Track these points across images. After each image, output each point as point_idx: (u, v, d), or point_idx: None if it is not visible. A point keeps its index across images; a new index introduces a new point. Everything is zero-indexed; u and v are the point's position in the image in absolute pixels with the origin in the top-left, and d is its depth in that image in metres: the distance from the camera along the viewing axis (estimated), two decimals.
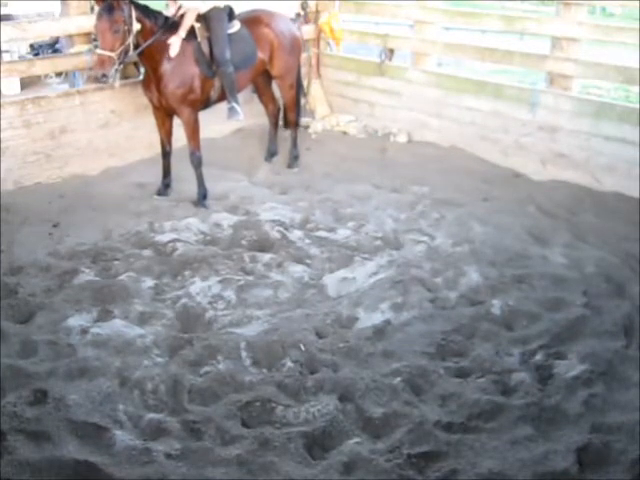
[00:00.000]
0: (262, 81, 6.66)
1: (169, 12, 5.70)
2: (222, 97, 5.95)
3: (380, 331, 4.06)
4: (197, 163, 5.86)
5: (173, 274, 4.68)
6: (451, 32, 8.72)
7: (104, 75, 5.21)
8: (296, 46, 6.55)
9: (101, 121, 6.48)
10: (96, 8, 5.34)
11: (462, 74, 7.83)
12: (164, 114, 5.85)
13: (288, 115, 6.83)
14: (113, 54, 5.17)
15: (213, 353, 3.78)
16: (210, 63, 5.74)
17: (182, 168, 6.05)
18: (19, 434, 3.13)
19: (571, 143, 6.33)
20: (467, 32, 9.66)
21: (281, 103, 6.86)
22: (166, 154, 6.02)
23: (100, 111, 6.46)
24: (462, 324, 4.12)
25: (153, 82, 5.64)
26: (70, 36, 6.65)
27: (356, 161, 6.88)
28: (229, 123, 6.46)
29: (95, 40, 6.74)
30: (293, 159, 6.80)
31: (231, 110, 5.92)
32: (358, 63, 7.97)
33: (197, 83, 5.71)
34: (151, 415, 3.35)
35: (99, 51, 5.21)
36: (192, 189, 5.91)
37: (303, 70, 7.65)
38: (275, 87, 6.77)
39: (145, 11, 5.42)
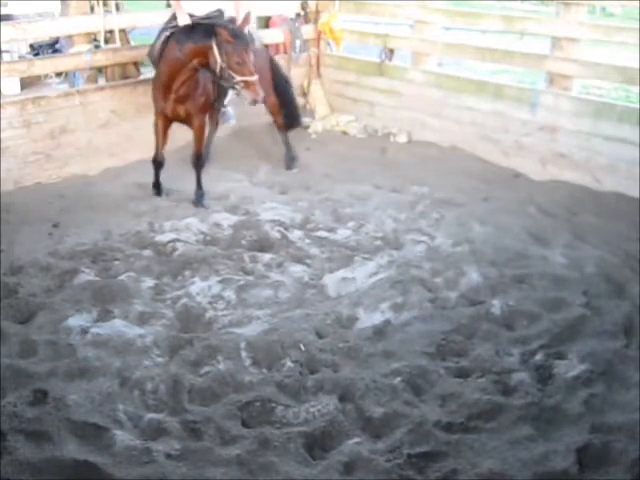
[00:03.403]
0: None
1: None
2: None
3: (380, 331, 4.06)
4: (201, 164, 5.84)
5: (173, 274, 4.68)
6: (451, 32, 8.72)
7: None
8: (262, 54, 6.30)
9: (101, 121, 6.47)
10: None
11: (462, 74, 7.84)
12: (170, 123, 5.78)
13: (276, 119, 6.69)
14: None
15: (213, 353, 3.77)
16: None
17: (182, 168, 6.04)
18: (19, 434, 3.12)
19: (571, 143, 6.32)
20: (467, 32, 9.66)
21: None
22: (159, 164, 5.88)
23: (100, 111, 6.45)
24: (462, 324, 4.12)
25: (172, 92, 5.53)
26: (70, 36, 6.65)
27: (356, 161, 6.87)
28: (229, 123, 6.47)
29: (95, 40, 6.78)
30: (290, 160, 6.73)
31: (222, 115, 5.99)
32: (358, 63, 7.96)
33: (211, 88, 5.68)
34: (151, 415, 3.35)
35: (254, 79, 5.19)
36: (192, 189, 5.89)
37: (303, 70, 7.67)
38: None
39: None
